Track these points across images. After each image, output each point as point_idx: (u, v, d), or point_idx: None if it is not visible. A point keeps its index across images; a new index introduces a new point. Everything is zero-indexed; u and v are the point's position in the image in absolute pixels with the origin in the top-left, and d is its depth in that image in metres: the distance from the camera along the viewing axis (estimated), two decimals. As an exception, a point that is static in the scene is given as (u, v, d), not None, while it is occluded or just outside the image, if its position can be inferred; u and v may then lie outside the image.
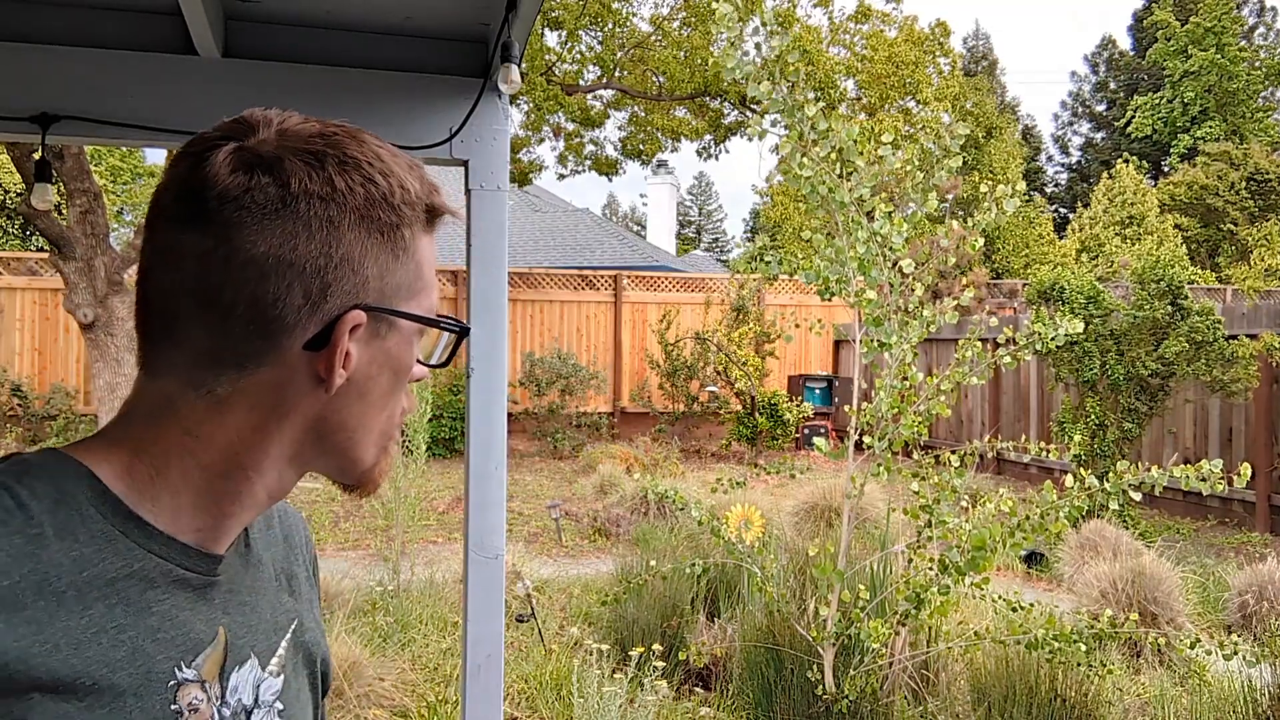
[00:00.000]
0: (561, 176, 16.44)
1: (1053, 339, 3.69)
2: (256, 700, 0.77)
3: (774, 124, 3.67)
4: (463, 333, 0.79)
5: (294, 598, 0.87)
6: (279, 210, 0.67)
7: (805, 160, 3.57)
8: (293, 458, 0.74)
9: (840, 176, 3.63)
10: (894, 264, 3.76)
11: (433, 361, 0.80)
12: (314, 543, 0.98)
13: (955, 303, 3.85)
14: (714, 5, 3.50)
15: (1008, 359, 3.80)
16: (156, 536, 0.69)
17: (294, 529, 0.92)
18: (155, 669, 0.67)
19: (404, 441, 5.55)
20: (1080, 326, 3.71)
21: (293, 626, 0.84)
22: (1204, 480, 3.25)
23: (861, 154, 3.62)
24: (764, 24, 3.46)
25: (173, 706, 0.68)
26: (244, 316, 0.68)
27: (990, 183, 3.83)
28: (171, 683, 0.68)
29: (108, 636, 0.64)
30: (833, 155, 3.61)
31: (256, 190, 0.67)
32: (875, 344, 3.72)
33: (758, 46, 3.47)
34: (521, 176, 15.33)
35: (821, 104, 3.63)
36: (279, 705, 0.80)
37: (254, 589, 0.80)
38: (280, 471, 0.74)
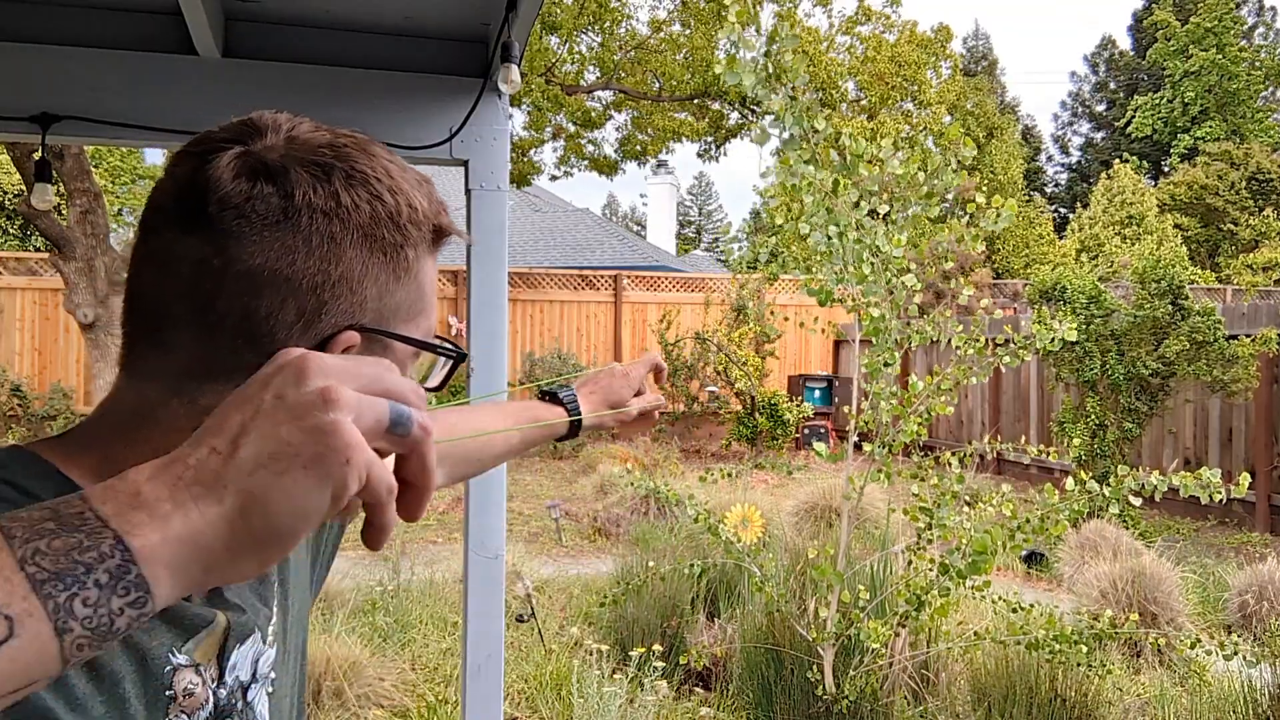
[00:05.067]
0: (554, 178, 16.44)
1: (1051, 341, 3.70)
2: (254, 675, 0.77)
3: (773, 124, 3.64)
4: (459, 358, 0.77)
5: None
6: (280, 222, 0.65)
7: (808, 173, 3.56)
8: None
9: (838, 184, 3.63)
10: (895, 275, 3.77)
11: (427, 385, 0.77)
12: None
13: (951, 316, 3.88)
14: (726, 2, 3.48)
15: (1007, 359, 3.81)
16: None
17: None
18: (150, 655, 0.66)
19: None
20: (1074, 334, 3.72)
21: (276, 587, 0.83)
22: (1204, 488, 3.25)
23: (867, 160, 3.61)
24: (775, 31, 3.44)
25: (168, 692, 0.67)
26: (234, 329, 0.65)
27: (985, 191, 3.85)
28: (167, 668, 0.67)
29: None
30: (836, 162, 3.60)
31: (259, 200, 0.65)
32: (879, 361, 3.72)
33: (768, 54, 3.46)
34: (522, 177, 15.35)
35: (826, 110, 3.63)
36: (271, 675, 0.80)
37: None
38: None
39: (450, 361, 0.78)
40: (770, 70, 3.42)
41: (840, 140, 3.58)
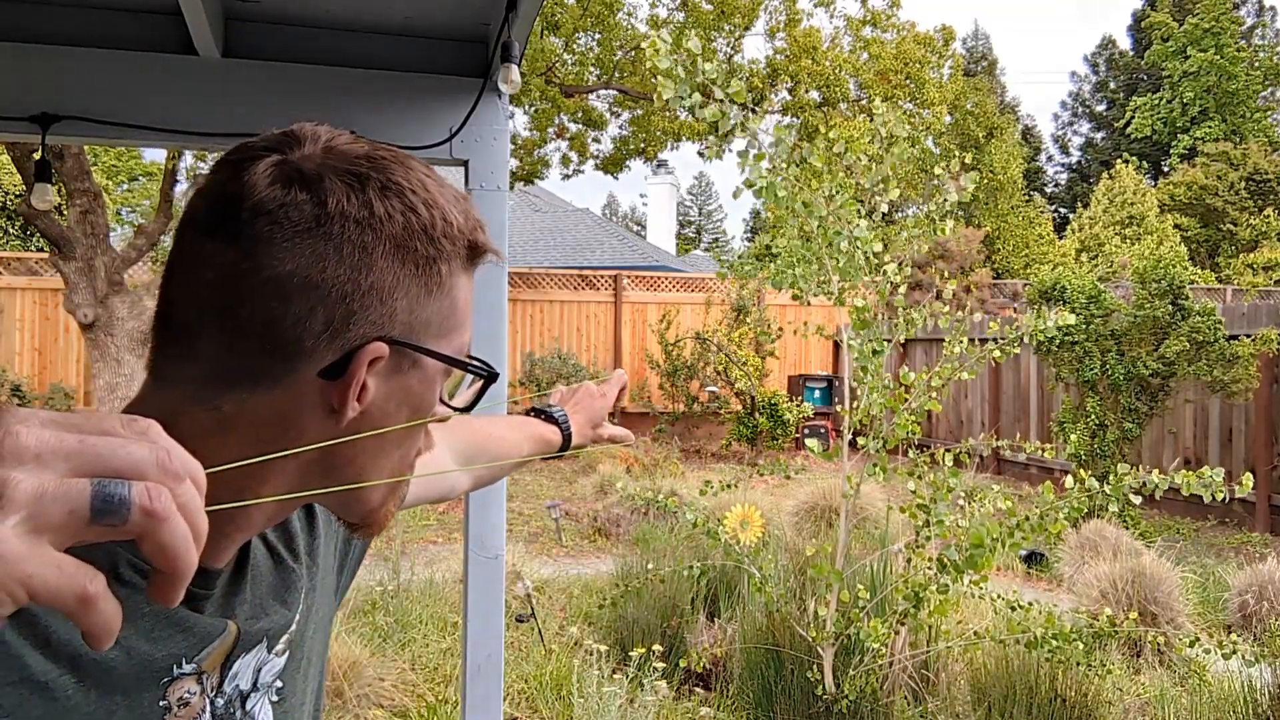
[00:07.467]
0: (566, 177, 16.41)
1: (1043, 331, 3.73)
2: (255, 683, 0.76)
3: (717, 136, 3.71)
4: (490, 378, 0.76)
5: (312, 560, 0.84)
6: (311, 229, 0.64)
7: (769, 173, 3.59)
8: (294, 488, 0.70)
9: (806, 183, 3.65)
10: (876, 267, 3.79)
11: (454, 404, 0.76)
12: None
13: (945, 310, 3.90)
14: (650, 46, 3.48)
15: (997, 352, 3.85)
16: None
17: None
18: (152, 666, 0.66)
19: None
20: (1071, 318, 3.75)
21: (303, 593, 0.82)
22: (1206, 487, 3.25)
23: (820, 158, 3.65)
24: (692, 52, 3.44)
25: (161, 703, 0.67)
26: (259, 335, 0.64)
27: (943, 165, 3.86)
28: (165, 679, 0.67)
29: None
30: (797, 165, 3.63)
31: (292, 206, 0.64)
32: (869, 351, 3.73)
33: (693, 65, 3.46)
34: (528, 176, 15.37)
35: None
36: (278, 684, 0.79)
37: (261, 575, 0.78)
38: (280, 500, 0.71)
39: (481, 381, 0.76)
40: (712, 85, 3.45)
41: (776, 143, 3.60)
